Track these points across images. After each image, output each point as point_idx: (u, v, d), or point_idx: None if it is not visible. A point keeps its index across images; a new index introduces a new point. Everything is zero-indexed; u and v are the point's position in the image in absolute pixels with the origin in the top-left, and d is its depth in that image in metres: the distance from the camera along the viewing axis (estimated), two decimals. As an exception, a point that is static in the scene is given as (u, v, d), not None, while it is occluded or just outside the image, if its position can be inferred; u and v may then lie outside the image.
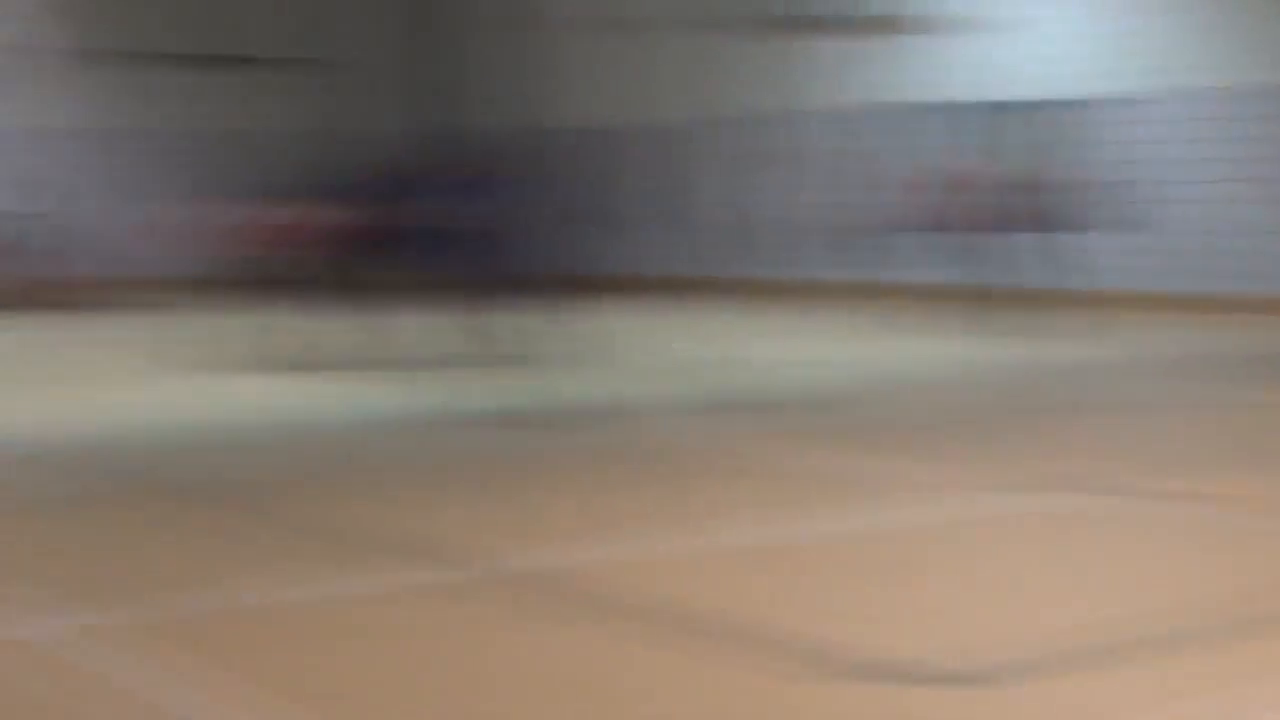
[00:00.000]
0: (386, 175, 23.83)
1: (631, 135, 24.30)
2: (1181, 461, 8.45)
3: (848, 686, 4.48)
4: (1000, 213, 16.20)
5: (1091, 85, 19.07)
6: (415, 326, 15.86)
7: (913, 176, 19.52)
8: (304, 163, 25.78)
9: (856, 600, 5.55)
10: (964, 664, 4.63)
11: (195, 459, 8.54)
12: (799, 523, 6.87)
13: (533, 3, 25.60)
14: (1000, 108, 20.00)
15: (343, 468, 8.43)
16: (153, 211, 20.06)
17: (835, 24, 20.83)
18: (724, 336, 15.61)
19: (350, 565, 6.14)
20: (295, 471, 8.32)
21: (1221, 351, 13.93)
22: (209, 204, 17.26)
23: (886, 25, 20.68)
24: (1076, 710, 4.19)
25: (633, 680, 4.65)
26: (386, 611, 5.47)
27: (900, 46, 20.95)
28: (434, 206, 24.10)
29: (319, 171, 25.85)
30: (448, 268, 10.91)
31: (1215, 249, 18.17)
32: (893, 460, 8.42)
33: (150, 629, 5.22)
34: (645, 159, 24.16)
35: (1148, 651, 4.74)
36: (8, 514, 7.45)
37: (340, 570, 6.05)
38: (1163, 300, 18.53)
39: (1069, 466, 8.10)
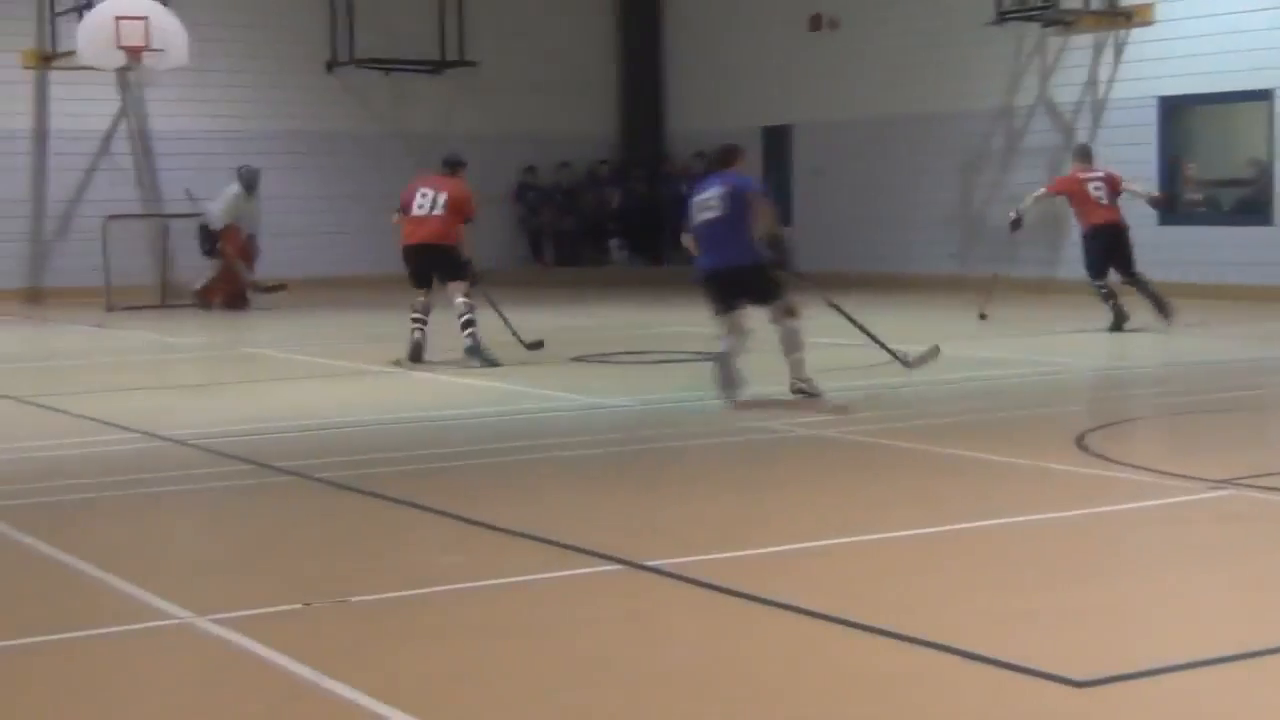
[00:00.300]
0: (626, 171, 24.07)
1: (847, 131, 24.21)
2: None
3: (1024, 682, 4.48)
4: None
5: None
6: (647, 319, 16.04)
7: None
8: (516, 164, 26.30)
9: (1049, 598, 5.52)
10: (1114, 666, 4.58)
11: (384, 452, 8.74)
12: (990, 517, 6.83)
13: (746, 2, 25.66)
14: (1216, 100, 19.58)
15: (526, 461, 8.56)
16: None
17: (1064, 16, 20.54)
18: (936, 333, 15.49)
19: (528, 558, 6.25)
20: (478, 463, 8.47)
21: None
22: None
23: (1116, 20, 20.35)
24: None
25: (800, 668, 4.69)
26: (558, 604, 5.57)
27: (1121, 40, 20.60)
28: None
29: (533, 172, 26.28)
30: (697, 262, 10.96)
31: None
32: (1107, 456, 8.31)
33: (326, 615, 5.40)
34: (862, 155, 24.05)
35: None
36: (207, 500, 7.73)
37: (519, 562, 6.17)
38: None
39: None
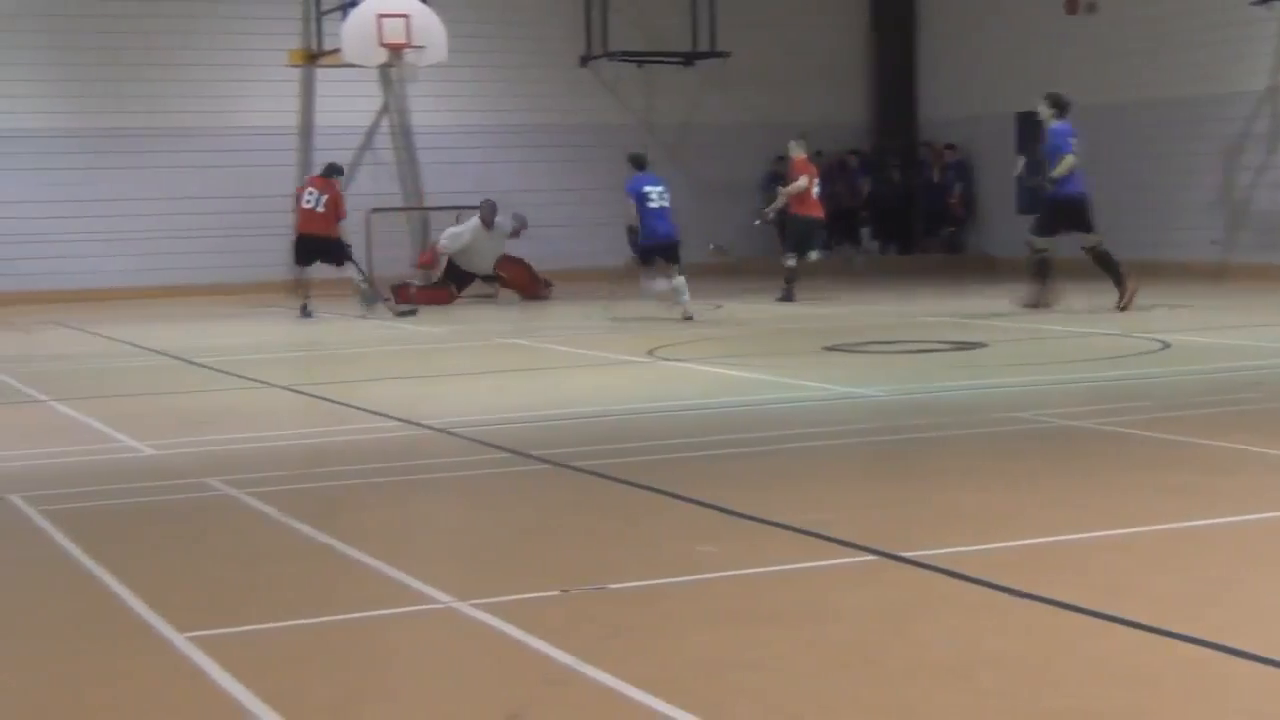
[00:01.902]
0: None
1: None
2: None
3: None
4: None
5: None
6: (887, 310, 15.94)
7: None
8: (766, 154, 26.31)
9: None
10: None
11: (637, 440, 8.83)
12: (1258, 510, 6.65)
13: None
14: None
15: (778, 450, 8.57)
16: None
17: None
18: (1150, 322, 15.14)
19: (783, 547, 6.28)
20: (731, 452, 8.51)
21: None
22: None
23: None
24: None
25: (1031, 662, 4.64)
26: (814, 594, 5.58)
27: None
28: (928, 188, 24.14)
29: (784, 162, 26.25)
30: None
31: None
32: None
33: (585, 602, 5.49)
34: (1119, 140, 23.54)
35: None
36: (467, 487, 7.90)
37: (774, 551, 6.19)
38: None
39: None
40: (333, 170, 19.39)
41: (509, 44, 24.91)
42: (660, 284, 17.48)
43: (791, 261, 19.50)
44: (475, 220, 20.62)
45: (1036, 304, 16.60)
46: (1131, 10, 23.08)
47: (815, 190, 19.82)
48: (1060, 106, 16.80)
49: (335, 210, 18.82)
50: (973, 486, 7.48)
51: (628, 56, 25.13)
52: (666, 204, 17.40)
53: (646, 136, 25.60)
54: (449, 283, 20.65)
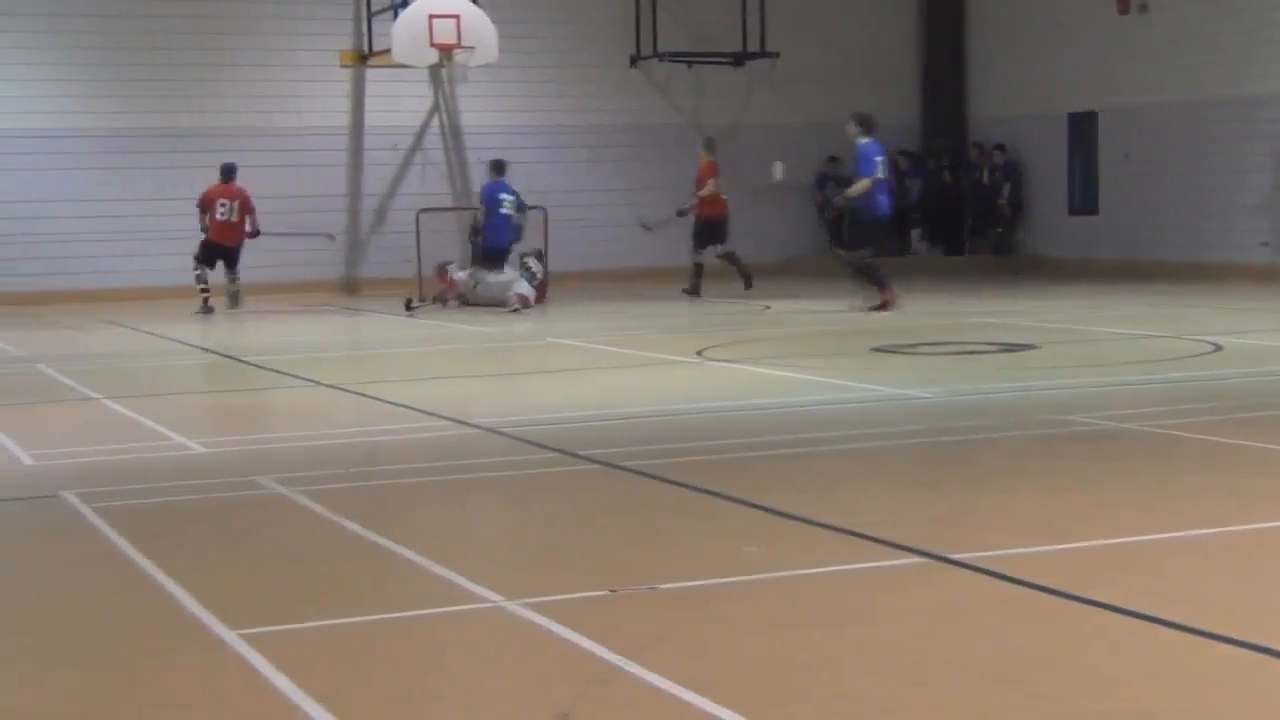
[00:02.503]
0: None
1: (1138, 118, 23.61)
2: None
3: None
4: None
5: None
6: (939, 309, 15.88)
7: None
8: (815, 155, 26.27)
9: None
10: None
11: (685, 441, 8.84)
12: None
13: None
14: None
15: (826, 452, 8.56)
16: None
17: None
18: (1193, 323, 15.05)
19: (830, 548, 6.27)
20: (779, 453, 8.51)
21: None
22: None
23: None
24: None
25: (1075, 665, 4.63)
26: (862, 596, 5.58)
27: None
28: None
29: (835, 162, 26.21)
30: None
31: None
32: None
33: (633, 602, 5.50)
34: (1170, 140, 23.42)
35: None
36: (515, 487, 7.93)
37: (822, 553, 6.19)
38: None
39: None
40: (229, 171, 20.17)
41: (559, 44, 24.97)
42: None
43: (700, 259, 21.03)
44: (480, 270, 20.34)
45: (882, 306, 17.25)
46: (1183, 10, 22.95)
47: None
48: (866, 125, 17.70)
49: (243, 216, 20.02)
50: (1022, 489, 7.45)
51: (677, 57, 25.15)
52: (514, 213, 19.55)
53: (696, 137, 25.62)
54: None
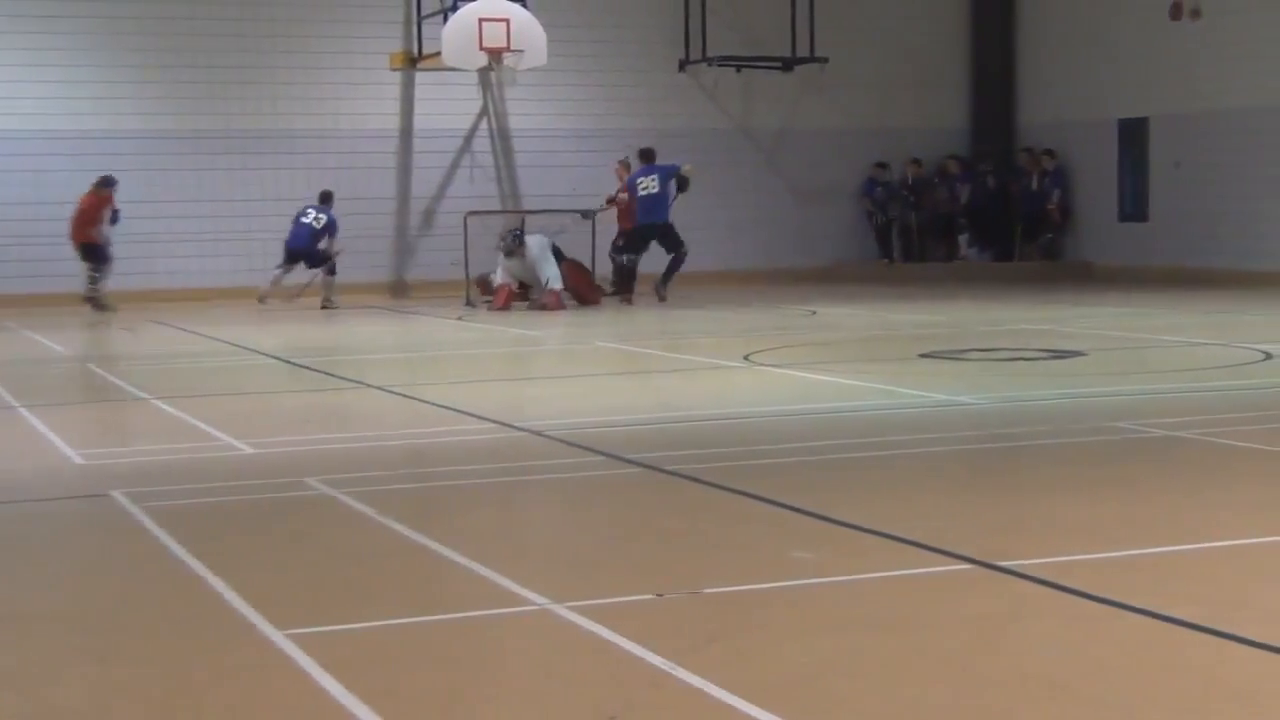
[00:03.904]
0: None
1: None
2: None
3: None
4: None
5: None
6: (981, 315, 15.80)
7: None
8: (864, 160, 26.22)
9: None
10: None
11: (733, 445, 8.83)
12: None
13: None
14: None
15: (874, 457, 8.54)
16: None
17: None
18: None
19: (879, 555, 6.25)
20: (827, 458, 8.49)
21: None
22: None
23: None
24: None
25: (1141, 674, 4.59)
26: (912, 602, 5.56)
27: None
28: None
29: (885, 168, 26.14)
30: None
31: None
32: None
33: (680, 606, 5.49)
34: (1222, 147, 23.27)
35: None
36: (561, 490, 7.93)
37: (870, 559, 6.17)
38: None
39: None
40: (105, 183, 21.35)
41: (608, 48, 24.98)
42: None
43: (623, 259, 21.79)
44: (500, 259, 20.51)
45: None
46: (1234, 16, 22.81)
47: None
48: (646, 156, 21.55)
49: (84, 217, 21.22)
50: (1072, 496, 7.41)
51: (726, 61, 25.12)
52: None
53: (744, 141, 25.62)
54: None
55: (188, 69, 23.34)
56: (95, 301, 21.04)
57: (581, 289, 20.84)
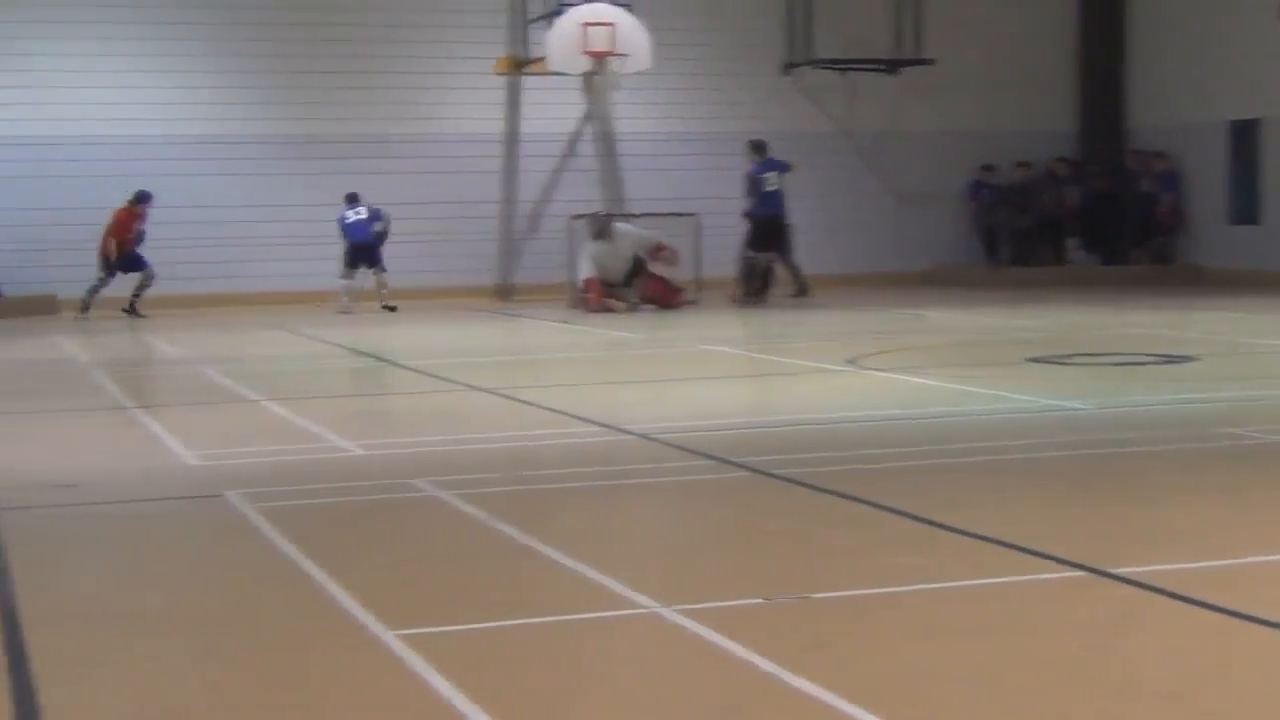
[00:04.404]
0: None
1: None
2: None
3: None
4: None
5: None
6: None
7: None
8: (970, 163, 26.03)
9: None
10: None
11: (839, 450, 8.80)
12: None
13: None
14: None
15: (981, 462, 8.48)
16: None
17: None
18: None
19: (989, 561, 6.22)
20: (934, 463, 8.45)
21: None
22: None
23: None
24: None
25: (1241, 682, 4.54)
26: (1022, 609, 5.52)
27: None
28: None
29: (991, 170, 25.94)
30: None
31: None
32: None
33: (788, 611, 5.49)
34: None
35: None
36: (669, 493, 7.95)
37: (981, 565, 6.14)
38: None
39: None
40: (140, 199, 21.62)
41: (712, 52, 24.99)
42: None
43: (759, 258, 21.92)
44: (588, 242, 20.59)
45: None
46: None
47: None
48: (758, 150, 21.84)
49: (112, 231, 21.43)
50: (1183, 502, 7.33)
51: (830, 63, 25.04)
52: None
53: (848, 144, 25.52)
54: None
55: (292, 74, 23.57)
56: (131, 309, 21.25)
57: (663, 294, 20.80)
